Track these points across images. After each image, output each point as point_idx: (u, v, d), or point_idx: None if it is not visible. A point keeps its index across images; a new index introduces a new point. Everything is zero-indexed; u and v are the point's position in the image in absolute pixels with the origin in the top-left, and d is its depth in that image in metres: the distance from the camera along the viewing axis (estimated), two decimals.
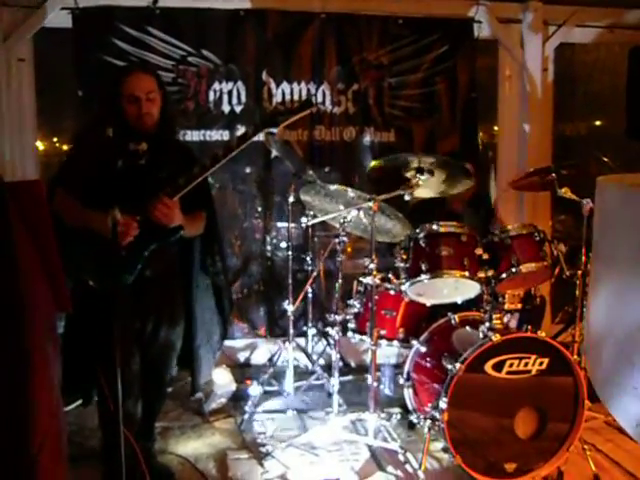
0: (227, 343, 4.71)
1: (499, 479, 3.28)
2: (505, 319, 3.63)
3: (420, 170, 3.57)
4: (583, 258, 3.64)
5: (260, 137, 3.11)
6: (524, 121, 5.39)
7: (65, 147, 5.33)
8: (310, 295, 4.65)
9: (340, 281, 3.95)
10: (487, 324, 3.44)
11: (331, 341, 4.23)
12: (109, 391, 2.85)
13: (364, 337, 3.88)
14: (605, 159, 5.79)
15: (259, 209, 5.07)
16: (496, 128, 5.62)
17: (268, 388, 4.38)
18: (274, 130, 3.13)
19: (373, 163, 3.81)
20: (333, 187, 3.73)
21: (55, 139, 5.48)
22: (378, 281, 3.68)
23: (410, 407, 3.79)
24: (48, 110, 5.00)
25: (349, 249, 4.29)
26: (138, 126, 3.05)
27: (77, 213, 2.96)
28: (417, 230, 3.58)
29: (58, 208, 2.88)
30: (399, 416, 4.04)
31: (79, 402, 3.48)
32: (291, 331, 4.44)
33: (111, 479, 3.09)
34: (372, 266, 3.55)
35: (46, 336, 1.90)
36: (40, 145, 5.07)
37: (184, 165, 3.14)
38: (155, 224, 2.97)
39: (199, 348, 3.39)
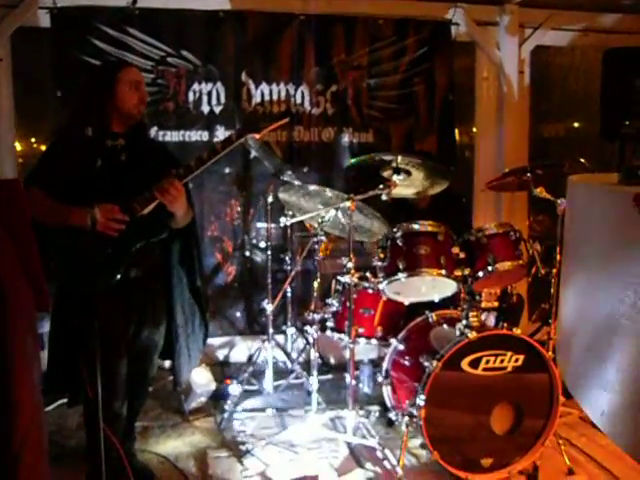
0: None
1: (476, 474, 3.33)
2: (483, 317, 3.67)
3: (397, 170, 3.61)
4: (558, 257, 3.69)
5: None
6: (501, 122, 5.46)
7: (44, 147, 5.31)
8: (289, 294, 4.69)
9: (318, 280, 3.98)
10: (464, 322, 3.49)
11: (310, 339, 4.26)
12: (93, 392, 2.84)
13: (342, 335, 3.91)
14: (582, 160, 5.86)
15: (238, 209, 5.08)
16: (475, 129, 5.68)
17: (248, 387, 4.41)
18: (256, 136, 3.18)
19: (350, 162, 3.83)
20: (311, 187, 3.76)
21: (33, 139, 5.45)
22: (356, 280, 3.70)
23: (389, 404, 3.83)
24: (26, 110, 4.97)
25: (328, 248, 4.32)
26: (135, 113, 3.10)
27: (54, 211, 2.91)
28: (394, 229, 3.61)
29: (32, 208, 2.80)
30: (377, 413, 4.10)
31: (61, 402, 3.47)
32: (270, 330, 4.47)
33: (95, 479, 3.09)
34: (350, 265, 3.59)
35: (27, 335, 1.91)
36: (18, 146, 5.04)
37: (163, 161, 3.18)
38: (141, 222, 2.98)
39: (181, 343, 3.38)
